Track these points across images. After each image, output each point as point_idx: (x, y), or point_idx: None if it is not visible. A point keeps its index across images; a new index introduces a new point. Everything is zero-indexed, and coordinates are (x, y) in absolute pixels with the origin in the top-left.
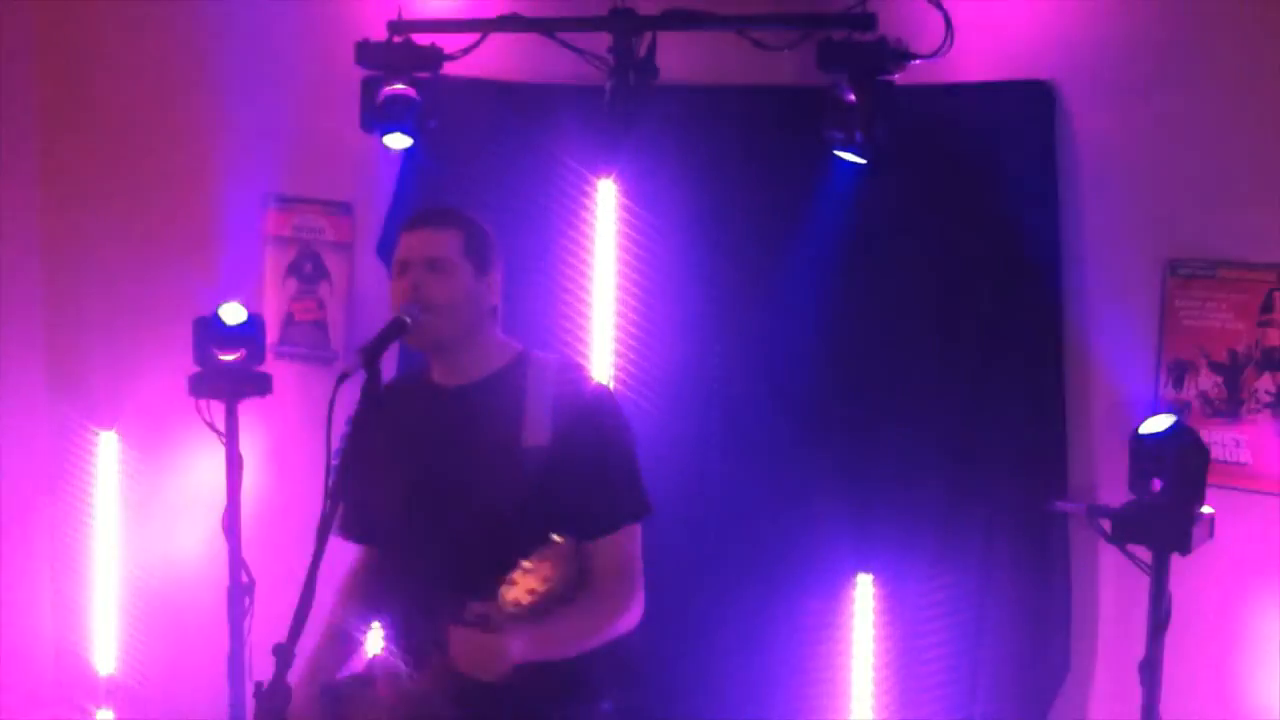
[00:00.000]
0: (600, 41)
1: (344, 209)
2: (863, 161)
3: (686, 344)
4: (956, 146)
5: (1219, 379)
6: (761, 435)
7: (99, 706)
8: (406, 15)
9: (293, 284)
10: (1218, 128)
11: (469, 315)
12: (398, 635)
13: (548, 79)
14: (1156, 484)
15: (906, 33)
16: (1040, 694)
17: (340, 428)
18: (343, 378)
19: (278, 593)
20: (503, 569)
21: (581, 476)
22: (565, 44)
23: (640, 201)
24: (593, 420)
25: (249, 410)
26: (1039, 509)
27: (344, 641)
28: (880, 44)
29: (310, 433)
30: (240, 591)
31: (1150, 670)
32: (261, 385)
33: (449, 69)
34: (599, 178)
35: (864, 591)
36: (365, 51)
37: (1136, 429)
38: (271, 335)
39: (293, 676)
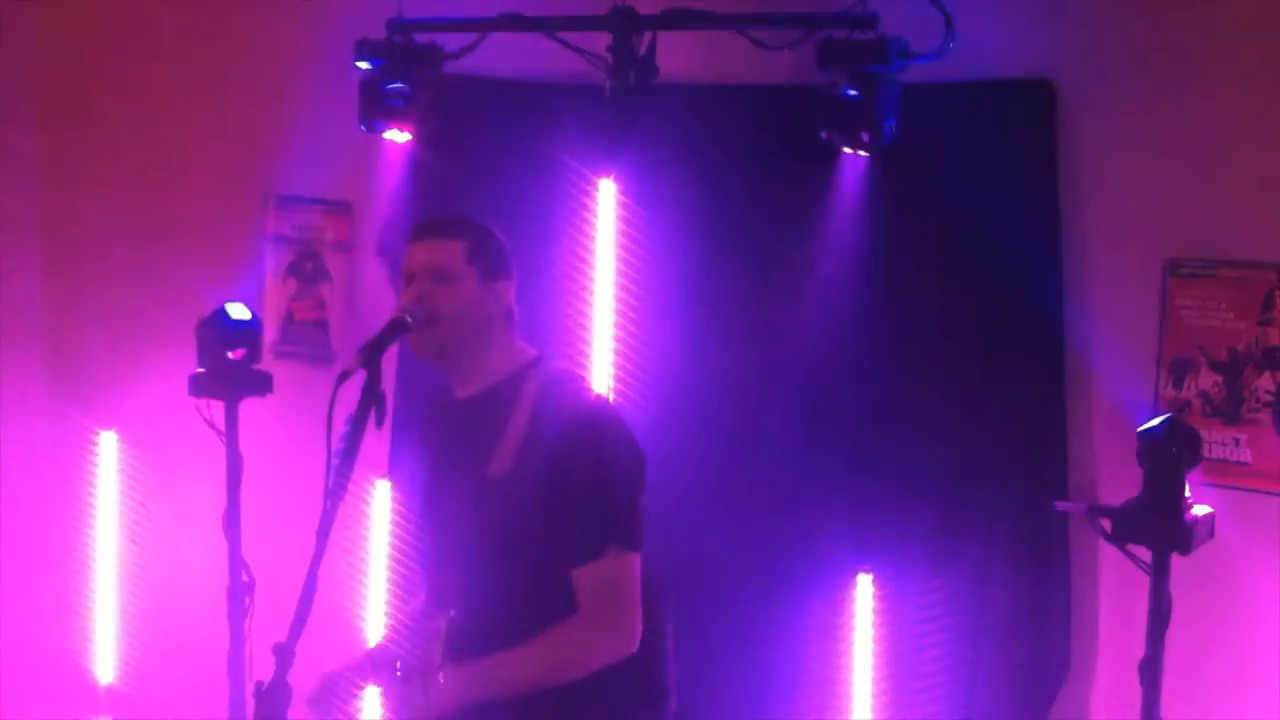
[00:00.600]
0: (600, 41)
1: (344, 209)
2: (862, 159)
3: (686, 343)
4: (956, 146)
5: (1219, 378)
6: (761, 434)
7: (99, 704)
8: (406, 14)
9: (293, 284)
10: (1218, 127)
11: (473, 323)
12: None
13: (548, 78)
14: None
15: (906, 32)
16: (1040, 694)
17: (340, 427)
18: (343, 378)
19: (278, 593)
20: (471, 594)
21: (550, 504)
22: (565, 43)
23: (640, 201)
24: (571, 446)
25: (249, 410)
26: (1039, 509)
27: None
28: (880, 43)
29: (310, 433)
30: (240, 591)
31: (1150, 670)
32: (261, 385)
33: (449, 68)
34: (599, 177)
35: (864, 591)
36: (365, 50)
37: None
38: (271, 335)
39: None
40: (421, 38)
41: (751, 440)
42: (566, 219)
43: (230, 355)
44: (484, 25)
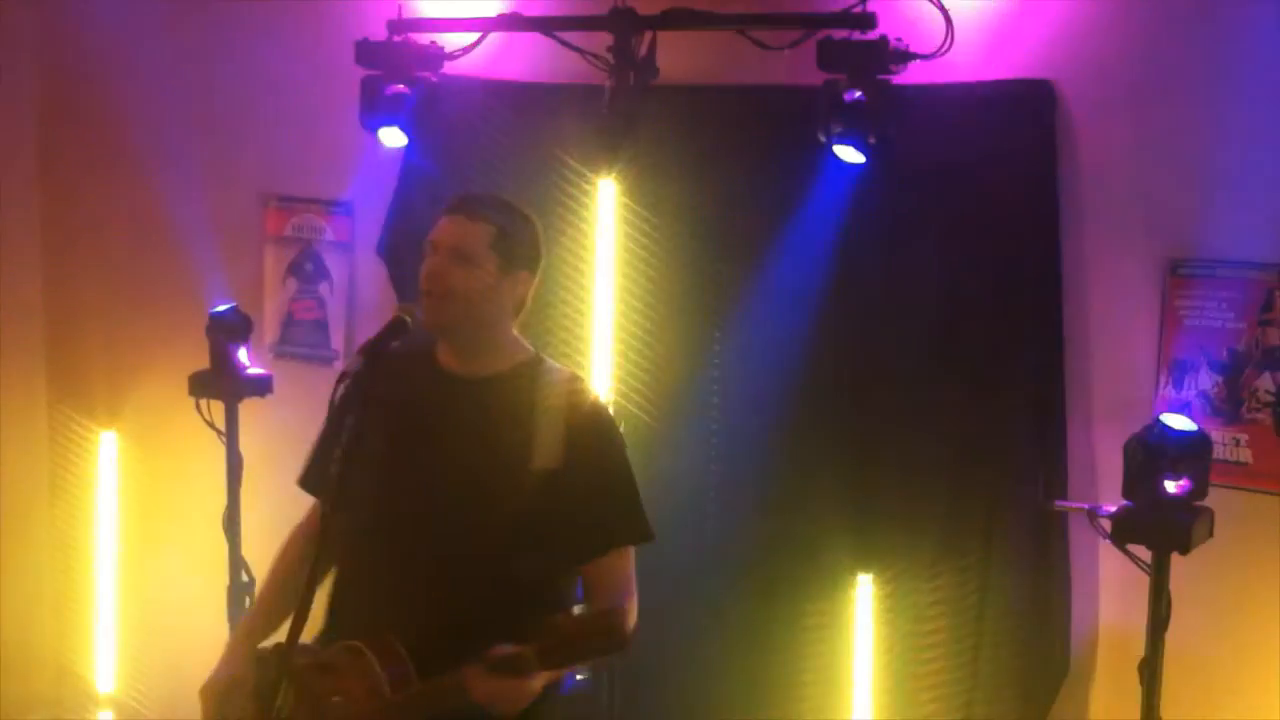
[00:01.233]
0: (600, 41)
1: (344, 209)
2: (862, 159)
3: (686, 343)
4: (957, 146)
5: (1219, 379)
6: (762, 435)
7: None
8: (406, 15)
9: (293, 284)
10: (1218, 127)
11: (484, 309)
12: (349, 618)
13: (547, 79)
14: (1177, 486)
15: (906, 33)
16: (1040, 694)
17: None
18: (343, 377)
19: None
20: (478, 582)
21: (585, 501)
22: (565, 43)
23: (640, 201)
24: (599, 445)
25: (249, 410)
26: (1039, 509)
27: (284, 606)
28: (880, 43)
29: (310, 433)
30: (240, 591)
31: (1150, 670)
32: (261, 385)
33: (449, 69)
34: (599, 177)
35: (864, 591)
36: (365, 51)
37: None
38: (271, 335)
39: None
40: (421, 38)
41: (752, 440)
42: (567, 219)
43: (230, 355)
44: (484, 26)
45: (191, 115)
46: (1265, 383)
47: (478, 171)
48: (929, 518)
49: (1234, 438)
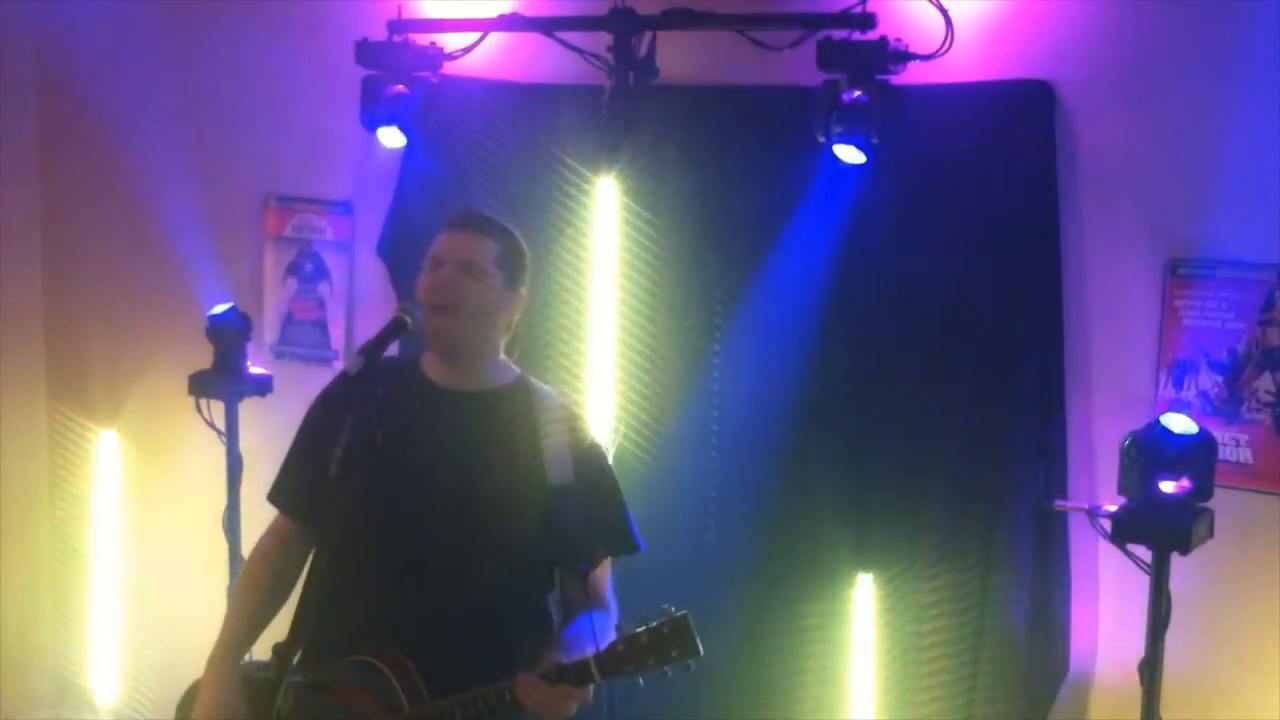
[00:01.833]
0: (600, 41)
1: (344, 209)
2: (862, 159)
3: (687, 343)
4: (956, 146)
5: (1219, 379)
6: (762, 435)
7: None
8: (406, 15)
9: (293, 284)
10: (1218, 127)
11: (490, 325)
12: (333, 633)
13: (547, 79)
14: (1176, 486)
15: (906, 33)
16: (1040, 694)
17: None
18: (343, 377)
19: None
20: (486, 591)
21: (585, 515)
22: (565, 44)
23: (640, 201)
24: (601, 463)
25: (249, 410)
26: (1039, 509)
27: (261, 624)
28: (880, 44)
29: None
30: None
31: (1150, 670)
32: (261, 385)
33: (449, 69)
34: (599, 177)
35: (864, 591)
36: (365, 51)
37: (1156, 428)
38: (271, 335)
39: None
40: (421, 38)
41: (752, 440)
42: (567, 219)
43: (230, 355)
44: (484, 26)
45: (191, 115)
46: (1265, 383)
47: (477, 172)
48: (929, 518)
49: (1234, 438)
